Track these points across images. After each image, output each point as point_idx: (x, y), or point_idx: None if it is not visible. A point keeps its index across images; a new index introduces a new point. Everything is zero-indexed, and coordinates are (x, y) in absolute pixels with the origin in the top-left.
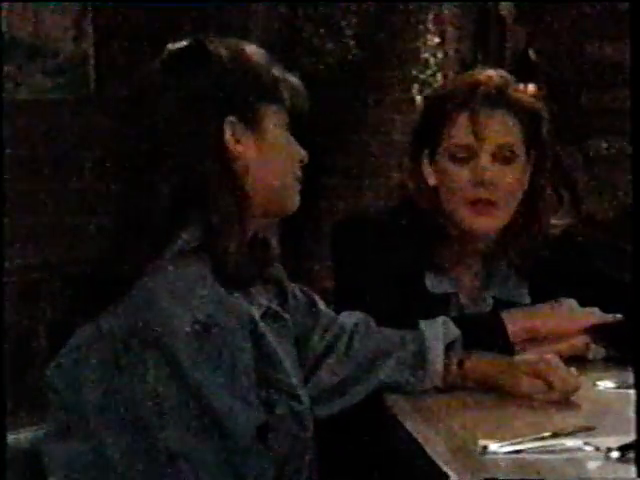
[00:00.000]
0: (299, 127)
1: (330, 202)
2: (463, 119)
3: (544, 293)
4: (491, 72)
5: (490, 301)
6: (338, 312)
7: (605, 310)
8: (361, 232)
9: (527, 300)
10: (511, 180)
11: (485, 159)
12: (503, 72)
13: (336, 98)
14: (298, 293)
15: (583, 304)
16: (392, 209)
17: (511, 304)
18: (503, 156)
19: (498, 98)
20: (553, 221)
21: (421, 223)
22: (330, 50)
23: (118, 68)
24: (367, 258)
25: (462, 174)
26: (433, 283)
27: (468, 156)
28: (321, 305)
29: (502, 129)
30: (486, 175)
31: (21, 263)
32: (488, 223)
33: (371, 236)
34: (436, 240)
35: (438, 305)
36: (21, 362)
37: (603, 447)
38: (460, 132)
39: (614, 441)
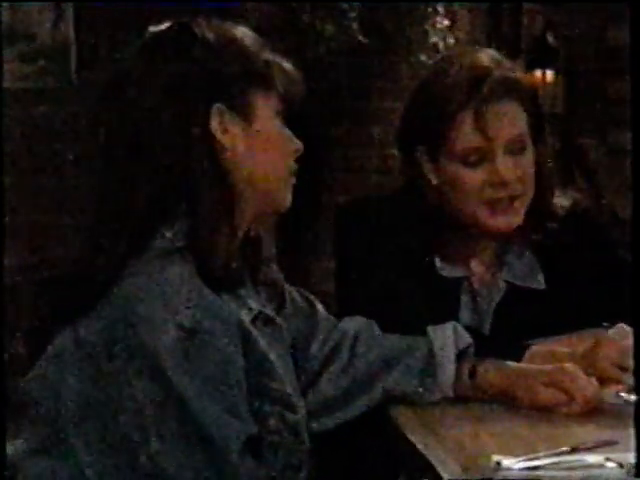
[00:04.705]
0: (296, 116)
1: (331, 198)
2: (467, 119)
3: (560, 279)
4: (484, 58)
5: (503, 285)
6: (341, 311)
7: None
8: (366, 214)
9: (542, 285)
10: (526, 170)
11: (499, 158)
12: (493, 53)
13: (338, 86)
14: (296, 296)
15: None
16: (398, 192)
17: (524, 289)
18: (515, 149)
19: (501, 89)
20: (561, 199)
21: (428, 211)
22: (331, 34)
23: (101, 54)
24: (373, 241)
25: (476, 177)
26: (444, 267)
27: (479, 157)
28: (321, 309)
29: (510, 122)
30: (504, 176)
31: None
32: (509, 221)
33: (377, 218)
34: (445, 227)
35: (449, 289)
36: None
37: (626, 463)
38: (467, 134)
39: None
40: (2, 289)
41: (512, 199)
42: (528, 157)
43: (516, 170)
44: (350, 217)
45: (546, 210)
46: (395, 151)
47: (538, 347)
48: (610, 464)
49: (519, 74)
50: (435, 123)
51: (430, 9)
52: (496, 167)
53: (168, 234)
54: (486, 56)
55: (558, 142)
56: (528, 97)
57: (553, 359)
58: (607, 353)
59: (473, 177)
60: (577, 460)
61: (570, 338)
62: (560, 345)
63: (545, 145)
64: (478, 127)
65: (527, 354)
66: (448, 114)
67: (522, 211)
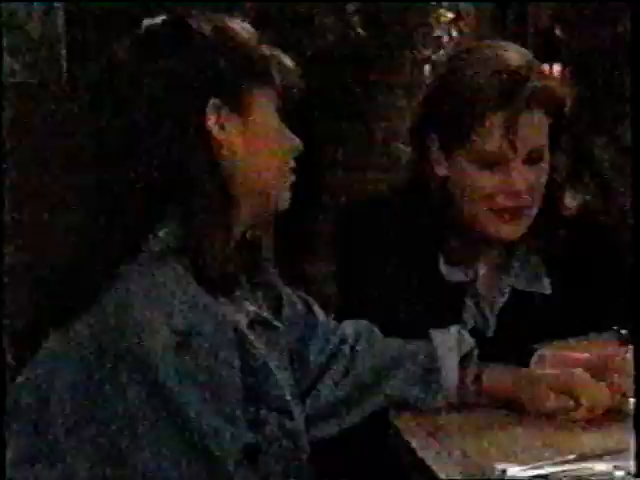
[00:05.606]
0: (293, 113)
1: (330, 198)
2: (497, 123)
3: (566, 283)
4: (519, 60)
5: (507, 289)
6: (341, 314)
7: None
8: (368, 216)
9: (548, 290)
10: (539, 181)
11: (517, 167)
12: (523, 52)
13: (337, 81)
14: (295, 300)
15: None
16: (401, 193)
17: (529, 293)
18: (532, 158)
19: (537, 99)
20: (569, 200)
21: (432, 211)
22: (330, 27)
23: (92, 48)
24: (374, 242)
25: (489, 181)
26: (448, 271)
27: (496, 161)
28: (320, 313)
29: (537, 132)
30: (518, 185)
31: None
32: (515, 230)
33: (379, 220)
34: (449, 230)
35: (453, 293)
36: None
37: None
38: (493, 138)
39: None
40: (2, 290)
41: (520, 209)
42: (543, 167)
43: (530, 180)
44: (351, 218)
45: (554, 217)
46: (397, 146)
47: (546, 351)
48: (619, 472)
49: (550, 81)
50: (460, 119)
51: (434, 1)
52: (511, 175)
53: (162, 235)
54: (520, 57)
55: (566, 140)
56: (556, 107)
57: (561, 364)
58: (620, 364)
59: (486, 181)
60: (584, 468)
61: (579, 342)
62: (568, 349)
63: (561, 154)
64: (507, 134)
65: (535, 358)
66: (477, 113)
67: (528, 222)
